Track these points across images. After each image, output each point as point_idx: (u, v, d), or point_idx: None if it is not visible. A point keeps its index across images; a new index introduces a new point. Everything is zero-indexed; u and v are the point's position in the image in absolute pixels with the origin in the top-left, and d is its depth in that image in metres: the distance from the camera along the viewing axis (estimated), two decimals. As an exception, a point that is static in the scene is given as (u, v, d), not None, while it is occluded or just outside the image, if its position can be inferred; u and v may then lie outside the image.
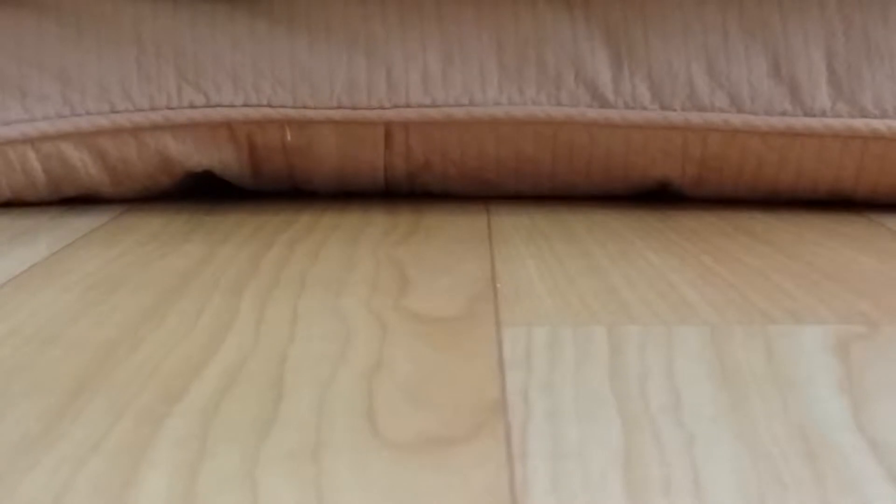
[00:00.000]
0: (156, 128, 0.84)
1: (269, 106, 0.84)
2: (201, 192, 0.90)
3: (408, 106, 0.84)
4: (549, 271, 0.67)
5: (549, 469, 0.39)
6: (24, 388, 0.47)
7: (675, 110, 0.84)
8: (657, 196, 0.89)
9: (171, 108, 0.83)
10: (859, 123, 0.83)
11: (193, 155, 0.85)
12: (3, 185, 0.84)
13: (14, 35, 0.84)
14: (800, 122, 0.84)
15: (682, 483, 0.38)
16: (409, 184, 0.89)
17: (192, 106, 0.84)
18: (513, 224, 0.80)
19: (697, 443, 0.42)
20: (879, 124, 0.83)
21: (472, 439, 0.42)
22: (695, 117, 0.84)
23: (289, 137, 0.85)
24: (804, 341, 0.54)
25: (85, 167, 0.84)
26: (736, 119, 0.84)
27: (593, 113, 0.84)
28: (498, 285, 0.63)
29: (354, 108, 0.84)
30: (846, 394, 0.47)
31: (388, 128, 0.85)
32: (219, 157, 0.85)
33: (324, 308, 0.59)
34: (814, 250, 0.72)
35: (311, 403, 0.45)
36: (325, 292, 0.62)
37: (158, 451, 0.41)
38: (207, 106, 0.84)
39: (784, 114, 0.84)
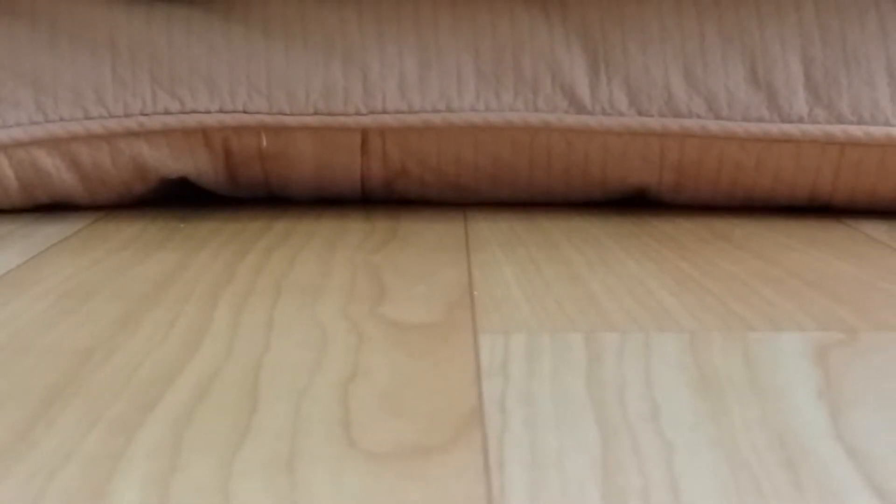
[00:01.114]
0: (130, 134, 0.83)
1: (245, 112, 0.83)
2: (177, 198, 0.90)
3: (384, 112, 0.84)
4: (526, 278, 0.66)
5: (526, 478, 0.39)
6: (-4, 397, 0.47)
7: (652, 116, 0.84)
8: (635, 202, 0.89)
9: (146, 115, 0.83)
10: (836, 129, 0.83)
11: (168, 161, 0.84)
12: (-24, 191, 0.83)
13: (-13, 41, 0.83)
14: (777, 128, 0.84)
15: (661, 492, 0.38)
16: (387, 190, 0.88)
17: (166, 112, 0.83)
18: (490, 230, 0.80)
19: (676, 451, 0.41)
20: (856, 130, 0.83)
21: (450, 448, 0.42)
22: (672, 123, 0.84)
23: (265, 144, 0.84)
24: (783, 348, 0.54)
25: (59, 174, 0.83)
26: (713, 125, 0.84)
27: (570, 119, 0.84)
28: (475, 292, 0.63)
29: (331, 115, 0.84)
30: (825, 401, 0.47)
31: (365, 134, 0.84)
32: (194, 164, 0.85)
33: (300, 315, 0.59)
34: (792, 256, 0.72)
35: (286, 413, 0.45)
36: (302, 299, 0.62)
37: (132, 462, 0.40)
38: (182, 112, 0.83)
39: (761, 120, 0.84)
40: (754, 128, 0.84)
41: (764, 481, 0.39)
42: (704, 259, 0.71)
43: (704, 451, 0.42)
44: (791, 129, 0.84)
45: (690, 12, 0.85)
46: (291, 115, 0.83)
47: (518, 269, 0.69)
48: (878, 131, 0.83)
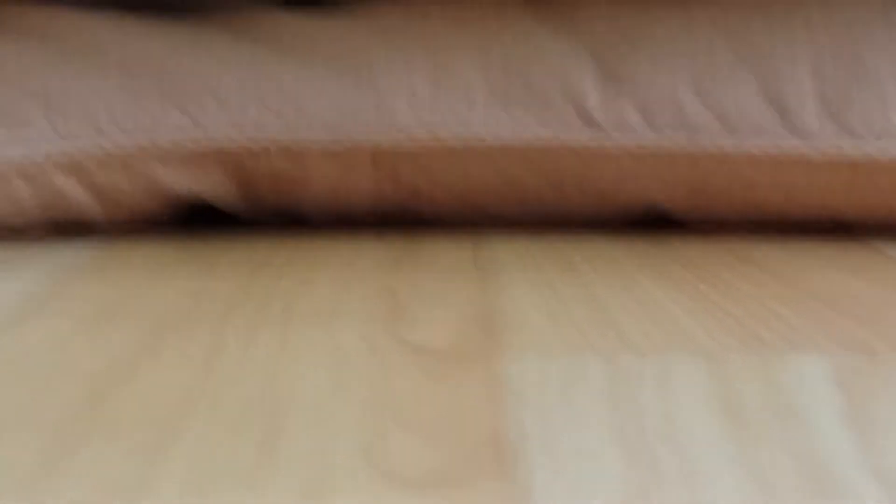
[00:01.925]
0: (143, 153, 0.83)
1: (257, 131, 0.83)
2: (192, 219, 0.90)
3: (396, 130, 0.84)
4: (543, 300, 0.66)
5: (554, 506, 0.39)
6: (15, 423, 0.47)
7: (664, 133, 0.84)
8: (653, 223, 0.89)
9: (158, 133, 0.83)
10: (848, 145, 0.83)
11: (182, 181, 0.84)
12: (-11, 213, 0.83)
13: None
14: (789, 144, 0.84)
15: (691, 520, 0.38)
16: (400, 210, 0.88)
17: (179, 130, 0.83)
18: (505, 251, 0.80)
19: (700, 475, 0.41)
20: (868, 146, 0.83)
21: (476, 476, 0.41)
22: (684, 140, 0.84)
23: (277, 164, 0.84)
24: (804, 371, 0.53)
25: (73, 194, 0.83)
26: (725, 142, 0.83)
27: (582, 136, 0.84)
28: (493, 314, 0.63)
29: (342, 134, 0.83)
30: (850, 424, 0.47)
31: (377, 153, 0.84)
32: (207, 184, 0.85)
33: (317, 338, 0.59)
34: (812, 278, 0.72)
35: (309, 439, 0.45)
36: (318, 322, 0.62)
37: (156, 489, 0.40)
38: (195, 131, 0.83)
39: (773, 136, 0.83)
40: (767, 144, 0.83)
41: (793, 509, 0.39)
42: (723, 281, 0.71)
43: (729, 475, 0.41)
44: (803, 146, 0.83)
45: (701, 27, 0.85)
46: (303, 134, 0.83)
47: (535, 290, 0.69)
48: (891, 147, 0.83)
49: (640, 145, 0.84)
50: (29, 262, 0.76)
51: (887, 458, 0.43)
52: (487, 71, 0.84)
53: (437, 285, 0.70)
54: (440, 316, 0.63)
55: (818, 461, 0.43)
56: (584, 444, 0.44)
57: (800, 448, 0.44)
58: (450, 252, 0.79)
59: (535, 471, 0.42)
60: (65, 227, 0.86)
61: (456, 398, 0.50)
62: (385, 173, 0.85)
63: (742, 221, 0.87)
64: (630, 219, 0.89)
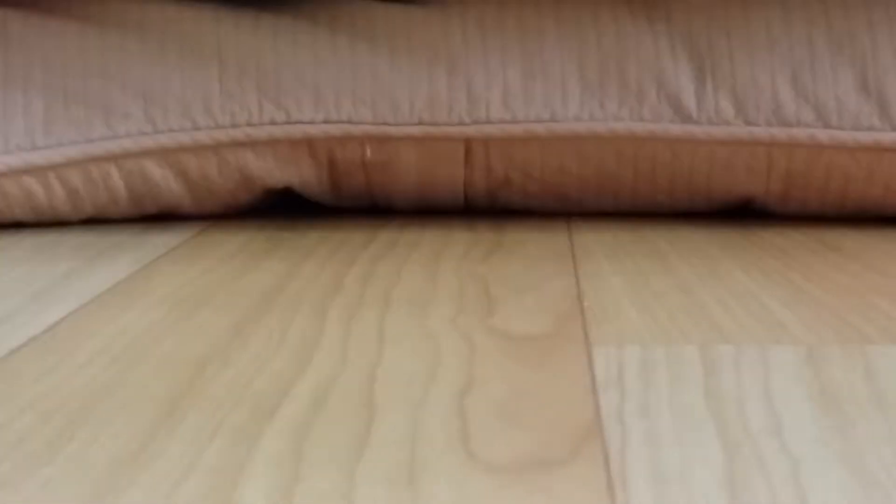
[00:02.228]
0: (237, 144, 0.84)
1: (350, 122, 0.84)
2: (281, 208, 0.91)
3: (488, 122, 0.84)
4: (635, 289, 0.66)
5: (651, 493, 0.39)
6: (115, 407, 0.47)
7: (759, 125, 0.83)
8: (741, 212, 0.88)
9: (252, 126, 0.84)
10: (947, 138, 0.82)
11: (274, 172, 0.85)
12: (86, 201, 0.84)
13: (98, 53, 0.84)
14: (888, 137, 0.82)
15: (790, 509, 0.37)
16: (489, 200, 0.88)
17: (272, 123, 0.84)
18: (595, 241, 0.79)
19: (802, 466, 0.41)
20: (968, 139, 0.82)
21: (570, 462, 0.41)
22: (780, 133, 0.82)
23: (369, 154, 0.84)
24: (904, 362, 0.52)
25: (167, 184, 0.84)
26: (822, 134, 0.82)
27: (676, 129, 0.83)
28: (585, 303, 0.63)
29: (435, 125, 0.84)
30: (953, 417, 0.46)
31: (469, 144, 0.84)
32: (299, 174, 0.85)
33: (410, 326, 0.59)
34: (906, 268, 0.71)
35: (403, 424, 0.45)
36: (411, 310, 0.62)
37: (254, 472, 0.40)
38: (288, 123, 0.84)
39: (871, 129, 0.82)
40: (864, 137, 0.82)
41: (895, 497, 0.38)
42: (815, 271, 0.70)
43: (831, 466, 0.41)
44: (902, 138, 0.82)
45: (799, 19, 0.84)
46: (395, 125, 0.83)
47: (626, 279, 0.68)
48: None
49: (735, 138, 0.83)
50: (124, 250, 0.77)
51: None
52: (581, 64, 0.84)
53: (527, 274, 0.70)
54: (531, 304, 0.63)
55: (920, 452, 0.42)
56: (682, 433, 0.44)
57: (901, 439, 0.43)
58: (540, 241, 0.79)
59: (630, 459, 0.41)
60: (157, 217, 0.87)
61: (548, 385, 0.49)
62: (477, 164, 0.85)
63: (838, 214, 0.86)
64: (722, 209, 0.88)
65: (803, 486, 0.39)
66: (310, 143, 0.84)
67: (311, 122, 0.83)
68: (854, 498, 0.38)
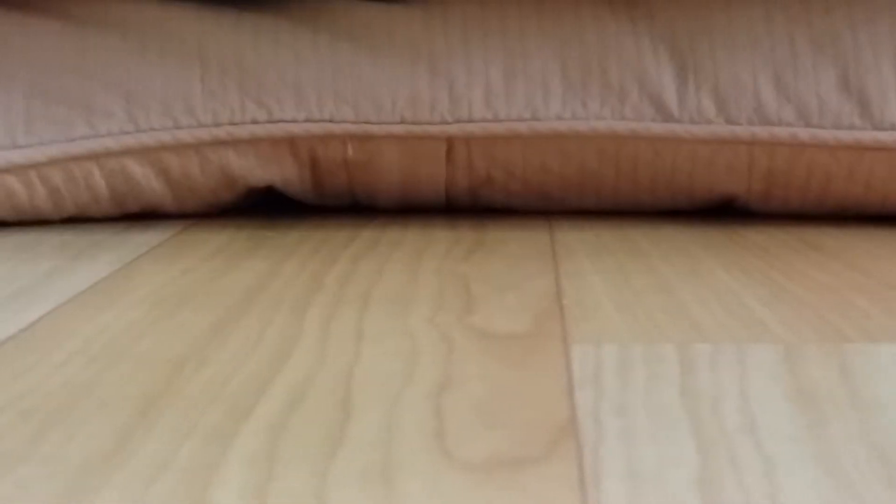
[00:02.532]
0: (218, 143, 0.84)
1: (332, 121, 0.84)
2: (263, 207, 0.90)
3: (470, 121, 0.84)
4: (615, 288, 0.66)
5: (623, 491, 0.39)
6: (92, 406, 0.47)
7: (741, 124, 0.83)
8: (723, 211, 0.88)
9: (234, 124, 0.83)
10: (929, 137, 0.82)
11: (256, 170, 0.85)
12: (67, 200, 0.84)
13: (79, 51, 0.84)
14: (869, 135, 0.82)
15: (762, 507, 0.38)
16: (471, 199, 0.88)
17: (254, 122, 0.83)
18: (577, 239, 0.80)
19: (776, 465, 0.41)
20: (950, 138, 0.82)
21: (545, 460, 0.41)
22: (761, 132, 0.83)
23: (350, 153, 0.84)
24: (880, 360, 0.53)
25: (148, 183, 0.84)
26: (803, 133, 0.82)
27: (658, 127, 0.83)
28: (564, 302, 0.63)
29: (417, 124, 0.84)
30: (927, 415, 0.46)
31: (451, 143, 0.84)
32: (281, 173, 0.85)
33: (389, 325, 0.59)
34: (886, 266, 0.71)
35: (379, 422, 0.45)
36: (391, 309, 0.62)
37: (227, 471, 0.40)
38: (270, 121, 0.84)
39: (852, 128, 0.82)
40: (845, 136, 0.82)
41: (867, 497, 0.38)
42: (795, 269, 0.70)
43: (805, 465, 0.41)
44: (884, 136, 0.82)
45: (780, 19, 0.84)
46: (377, 124, 0.83)
47: (607, 278, 0.68)
48: (972, 139, 0.82)
49: (717, 137, 0.83)
50: (105, 249, 0.77)
51: (966, 449, 0.42)
52: (563, 63, 0.84)
53: (508, 273, 0.70)
54: (511, 303, 0.63)
55: (894, 452, 0.42)
56: (657, 431, 0.44)
57: (876, 439, 0.43)
58: (521, 240, 0.79)
59: (604, 457, 0.41)
60: (139, 216, 0.87)
61: (525, 384, 0.49)
62: (459, 163, 0.85)
63: (819, 212, 0.86)
64: (703, 208, 0.88)
65: (776, 484, 0.39)
66: (292, 142, 0.84)
67: (293, 121, 0.83)
68: (827, 497, 0.38)
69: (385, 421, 0.45)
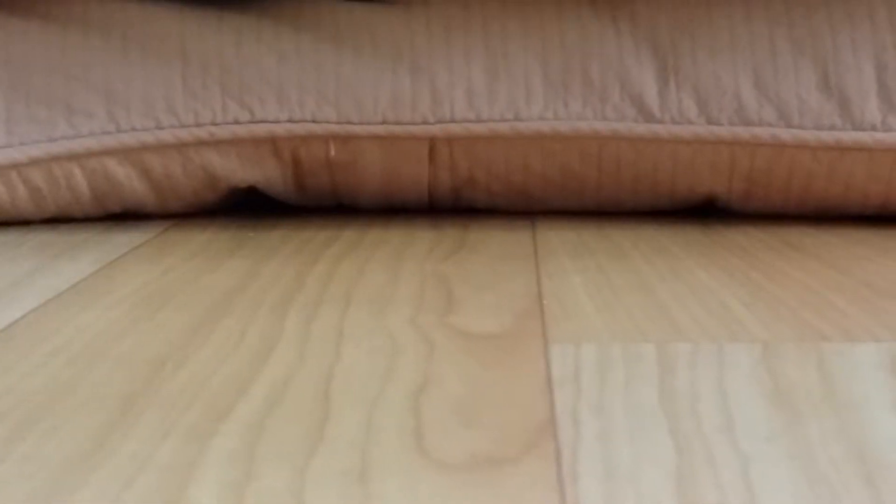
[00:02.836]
0: (200, 144, 0.84)
1: (314, 121, 0.84)
2: (245, 207, 0.90)
3: (452, 121, 0.84)
4: (596, 287, 0.66)
5: (600, 490, 0.39)
6: (71, 406, 0.47)
7: (722, 125, 0.83)
8: (704, 211, 0.88)
9: (216, 124, 0.83)
10: (909, 137, 0.82)
11: (238, 171, 0.85)
12: (49, 200, 0.84)
13: (60, 52, 0.84)
14: (849, 136, 0.83)
15: (738, 505, 0.38)
16: (454, 199, 0.88)
17: (236, 122, 0.84)
18: (558, 239, 0.80)
19: (752, 463, 0.41)
20: (930, 138, 0.82)
21: (523, 459, 0.41)
22: (742, 132, 0.83)
23: (333, 153, 0.84)
24: (858, 359, 0.53)
25: (130, 183, 0.84)
26: (784, 134, 0.83)
27: (639, 128, 0.83)
28: (545, 302, 0.63)
29: (399, 124, 0.84)
30: (903, 414, 0.46)
31: (433, 143, 0.85)
32: (263, 173, 0.85)
33: (370, 325, 0.59)
34: (865, 266, 0.71)
35: (358, 422, 0.45)
36: (371, 309, 0.62)
37: (206, 470, 0.40)
38: (252, 121, 0.84)
39: (833, 128, 0.83)
40: (826, 136, 0.83)
41: (843, 496, 0.38)
42: (776, 269, 0.71)
43: (781, 463, 0.41)
44: (864, 137, 0.83)
45: (761, 19, 0.84)
46: (359, 124, 0.84)
47: (587, 278, 0.68)
48: (952, 139, 0.82)
49: (698, 137, 0.83)
50: (86, 249, 0.77)
51: (941, 447, 0.43)
52: (545, 63, 0.84)
53: (489, 273, 0.70)
54: (491, 303, 0.63)
55: (870, 450, 0.42)
56: (635, 430, 0.44)
57: (852, 438, 0.43)
58: (503, 240, 0.79)
59: (581, 457, 0.41)
60: (120, 216, 0.87)
61: (504, 384, 0.50)
62: (441, 163, 0.85)
63: (800, 212, 0.86)
64: (685, 208, 0.88)
65: (752, 483, 0.39)
66: (274, 143, 0.84)
67: (275, 122, 0.83)
68: (802, 495, 0.39)
69: (364, 420, 0.45)
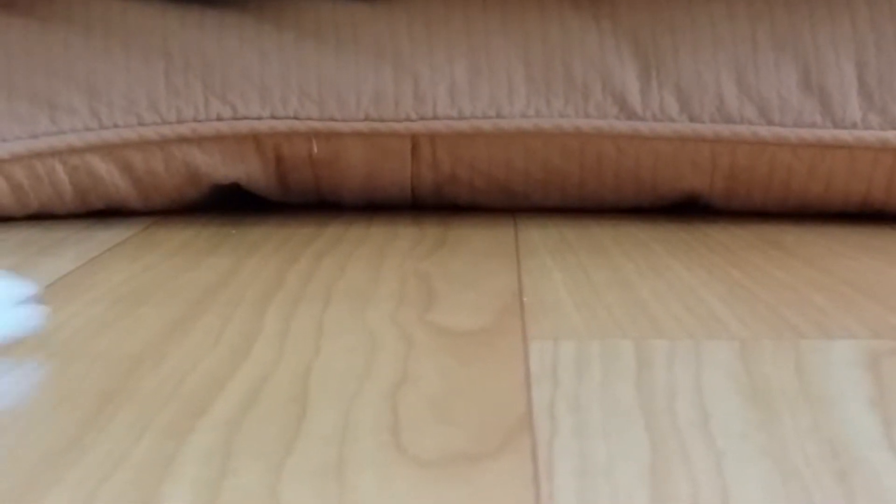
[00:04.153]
0: (183, 140, 0.84)
1: (296, 118, 0.84)
2: (228, 204, 0.90)
3: (435, 118, 0.84)
4: (576, 284, 0.66)
5: (575, 485, 0.39)
6: (49, 403, 0.47)
7: (703, 122, 0.83)
8: (685, 208, 0.89)
9: (199, 121, 0.83)
10: (890, 135, 0.83)
11: (220, 167, 0.85)
12: (31, 197, 0.84)
13: (42, 48, 0.84)
14: (830, 133, 0.83)
15: (711, 500, 0.38)
16: (436, 196, 0.88)
17: (219, 118, 0.84)
18: (540, 237, 0.80)
19: (726, 460, 0.41)
20: (911, 136, 0.83)
21: (499, 455, 0.42)
22: (724, 129, 0.83)
23: (315, 150, 0.84)
24: (835, 356, 0.53)
25: (112, 180, 0.84)
26: (765, 131, 0.83)
27: (621, 125, 0.83)
28: (525, 299, 0.63)
29: (381, 121, 0.84)
30: (878, 410, 0.46)
31: (415, 140, 0.85)
32: (245, 170, 0.85)
33: (349, 321, 0.59)
34: (844, 263, 0.71)
35: (335, 419, 0.45)
36: (351, 305, 0.62)
37: (182, 467, 0.40)
38: (234, 118, 0.84)
39: (814, 126, 0.83)
40: (807, 134, 0.83)
41: (816, 492, 0.39)
42: (755, 266, 0.71)
43: (755, 460, 0.41)
44: (844, 134, 0.83)
45: (742, 17, 0.84)
46: (342, 121, 0.84)
47: (568, 275, 0.69)
48: (932, 137, 0.83)
49: (680, 135, 0.83)
50: (68, 246, 0.77)
51: (914, 443, 0.43)
52: (527, 60, 0.84)
53: (470, 270, 0.70)
54: (471, 299, 0.63)
55: (844, 446, 0.42)
56: (612, 426, 0.44)
57: (827, 434, 0.44)
58: (485, 237, 0.80)
59: (557, 452, 0.42)
60: (103, 213, 0.87)
61: (482, 380, 0.50)
62: (423, 160, 0.85)
63: (780, 210, 0.87)
64: (666, 206, 0.89)
65: (725, 478, 0.40)
66: (256, 139, 0.84)
67: (258, 118, 0.84)
68: (774, 490, 0.39)
69: (341, 417, 0.45)
